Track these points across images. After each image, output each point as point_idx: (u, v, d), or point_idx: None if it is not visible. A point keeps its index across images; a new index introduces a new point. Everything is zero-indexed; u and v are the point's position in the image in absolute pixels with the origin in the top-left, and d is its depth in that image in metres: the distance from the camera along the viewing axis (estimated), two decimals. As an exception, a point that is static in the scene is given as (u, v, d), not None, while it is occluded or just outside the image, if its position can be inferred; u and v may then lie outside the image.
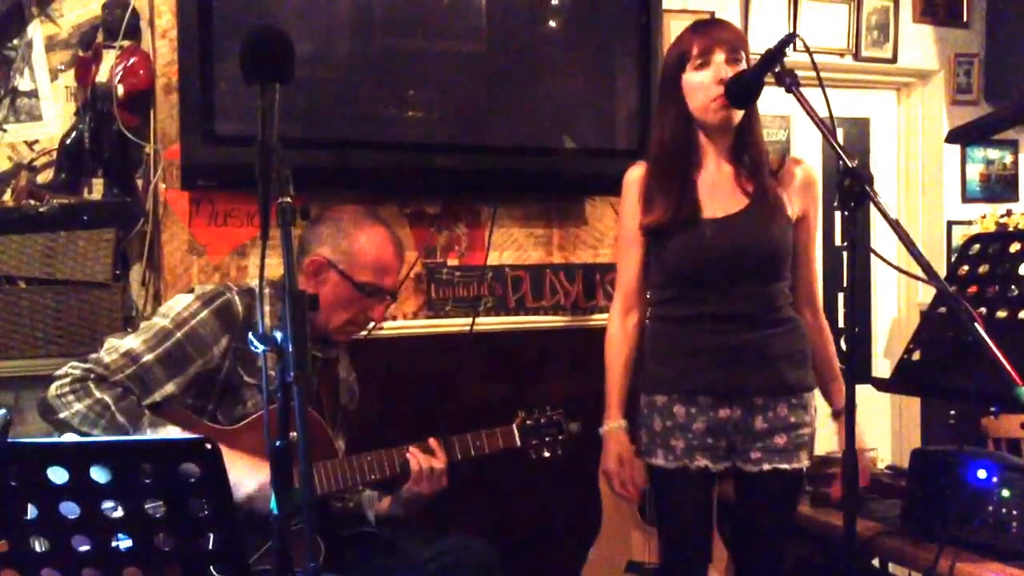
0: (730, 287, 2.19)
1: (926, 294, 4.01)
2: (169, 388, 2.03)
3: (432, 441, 2.23)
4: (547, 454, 2.38)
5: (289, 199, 1.35)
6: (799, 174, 2.27)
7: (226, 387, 2.09)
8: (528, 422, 2.36)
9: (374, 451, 2.18)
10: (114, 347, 2.03)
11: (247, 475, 1.93)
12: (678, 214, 2.19)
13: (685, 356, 2.24)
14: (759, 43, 3.53)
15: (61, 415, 1.94)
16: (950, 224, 4.10)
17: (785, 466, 2.20)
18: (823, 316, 2.35)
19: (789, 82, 1.92)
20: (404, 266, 2.25)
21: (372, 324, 2.28)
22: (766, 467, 2.20)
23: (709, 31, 2.21)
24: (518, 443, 2.34)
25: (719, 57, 2.15)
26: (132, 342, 2.03)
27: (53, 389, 1.97)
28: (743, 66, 2.16)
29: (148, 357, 2.02)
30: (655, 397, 2.28)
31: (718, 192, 2.22)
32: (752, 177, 2.21)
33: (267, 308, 2.14)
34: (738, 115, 2.18)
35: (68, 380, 1.97)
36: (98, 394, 1.95)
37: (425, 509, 2.29)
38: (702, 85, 2.16)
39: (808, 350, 2.28)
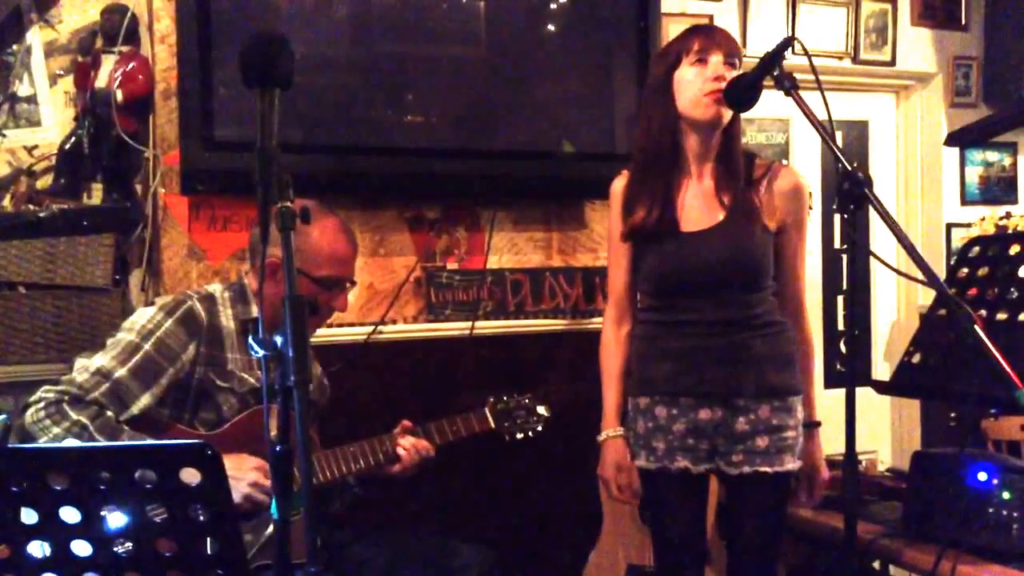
0: (710, 297, 2.19)
1: (926, 297, 4.01)
2: (145, 400, 2.03)
3: (408, 423, 2.29)
4: (520, 436, 2.48)
5: (288, 204, 1.35)
6: (784, 182, 2.24)
7: (200, 394, 2.10)
8: (499, 406, 2.46)
9: (356, 442, 2.22)
10: (84, 366, 2.02)
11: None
12: (658, 220, 2.20)
13: (667, 358, 2.24)
14: (758, 46, 3.58)
15: (40, 441, 1.94)
16: (949, 226, 4.10)
17: (767, 469, 2.18)
18: (808, 327, 2.32)
19: (788, 85, 1.92)
20: (357, 253, 2.28)
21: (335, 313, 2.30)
22: (747, 469, 2.19)
23: (710, 34, 2.20)
24: (492, 425, 2.44)
25: (717, 58, 2.14)
26: (102, 359, 2.03)
27: (29, 416, 1.96)
28: (737, 73, 2.16)
29: (120, 372, 2.01)
30: (639, 400, 2.29)
31: (697, 204, 2.22)
32: (731, 188, 2.21)
33: (228, 311, 2.16)
34: (726, 117, 2.17)
35: (43, 404, 1.97)
36: (74, 415, 1.95)
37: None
38: (697, 78, 2.14)
39: (795, 354, 2.25)
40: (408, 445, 2.26)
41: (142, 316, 2.10)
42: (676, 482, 2.24)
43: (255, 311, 2.14)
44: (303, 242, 2.13)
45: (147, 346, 2.04)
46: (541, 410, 2.52)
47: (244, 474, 1.98)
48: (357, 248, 2.28)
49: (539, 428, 2.51)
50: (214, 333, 2.11)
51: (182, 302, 2.12)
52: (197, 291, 2.20)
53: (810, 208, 2.53)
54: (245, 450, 2.04)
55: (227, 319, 2.15)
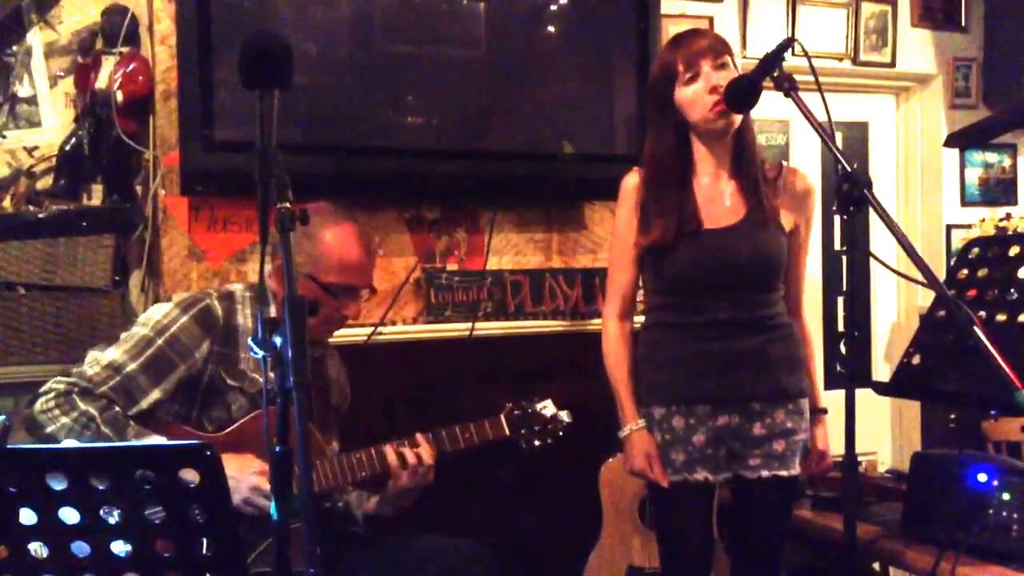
0: (728, 296, 2.19)
1: (925, 298, 4.01)
2: (155, 395, 2.03)
3: (419, 436, 2.22)
4: (537, 443, 2.38)
5: (288, 205, 1.35)
6: (797, 185, 2.28)
7: (209, 392, 2.10)
8: (516, 412, 2.36)
9: (363, 449, 2.19)
10: (96, 359, 2.03)
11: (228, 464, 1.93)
12: (681, 228, 2.19)
13: (683, 362, 2.23)
14: (757, 48, 3.58)
15: (48, 429, 1.94)
16: (949, 228, 4.11)
17: (784, 473, 2.21)
18: (806, 322, 2.37)
19: (788, 86, 1.91)
20: (374, 259, 2.24)
21: (348, 320, 2.27)
22: (765, 474, 2.20)
23: (690, 43, 2.20)
24: (507, 433, 2.34)
25: (706, 67, 2.15)
26: (114, 353, 2.03)
27: (38, 405, 1.97)
28: (731, 69, 2.17)
29: (131, 366, 2.02)
30: (653, 409, 2.26)
31: (715, 204, 2.23)
32: (748, 187, 2.22)
33: (248, 311, 2.15)
34: (737, 120, 2.18)
35: (53, 395, 1.97)
36: (83, 406, 1.96)
37: (413, 506, 2.28)
38: (697, 97, 2.15)
39: (802, 356, 2.29)
40: (398, 447, 2.19)
41: (158, 311, 2.10)
42: (691, 493, 2.24)
43: (273, 311, 2.13)
44: (314, 246, 2.12)
45: (160, 341, 2.04)
46: (562, 415, 2.39)
47: (245, 477, 1.97)
48: (373, 256, 2.24)
49: (559, 435, 2.40)
50: (229, 332, 2.11)
51: (200, 299, 2.12)
52: (217, 289, 2.20)
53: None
54: (251, 451, 2.04)
55: (244, 318, 2.14)
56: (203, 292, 2.17)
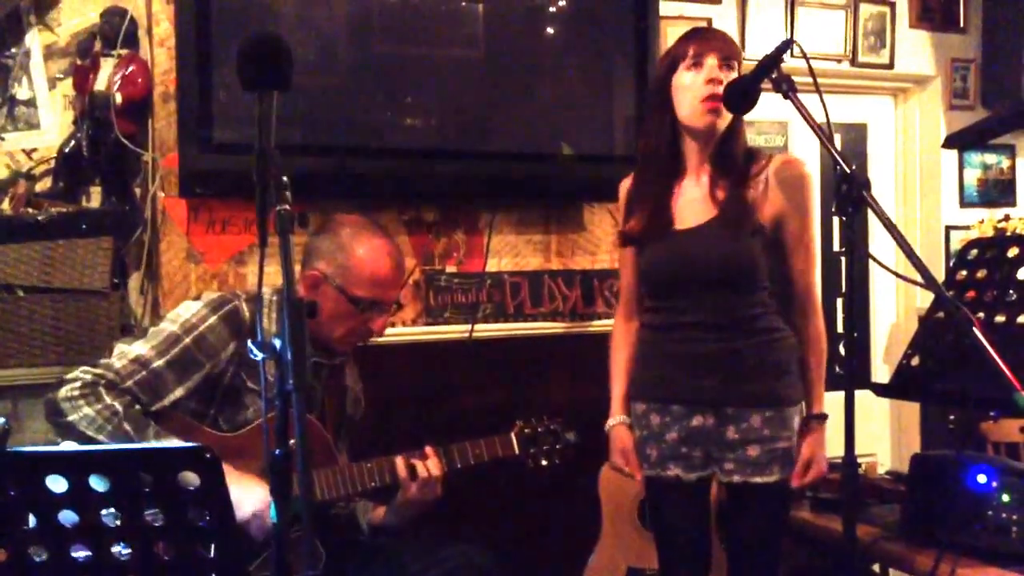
0: (702, 297, 2.17)
1: (924, 299, 4.01)
2: (179, 392, 2.05)
3: (429, 449, 2.23)
4: (545, 463, 2.40)
5: (287, 206, 1.35)
6: (782, 171, 2.19)
7: (229, 392, 2.10)
8: (526, 431, 2.38)
9: (374, 459, 2.19)
10: (124, 353, 2.03)
11: (245, 496, 1.91)
12: (652, 224, 2.20)
13: (661, 363, 2.24)
14: (756, 49, 3.58)
15: (69, 417, 1.94)
16: (948, 229, 4.11)
17: (757, 479, 2.16)
18: (818, 324, 2.24)
19: (786, 88, 1.91)
20: (404, 275, 2.24)
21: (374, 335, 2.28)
22: (737, 479, 2.18)
23: (705, 37, 2.20)
24: (516, 452, 2.36)
25: (712, 61, 2.14)
26: (141, 348, 2.04)
27: (64, 391, 1.97)
28: (735, 75, 2.15)
29: (158, 363, 2.03)
30: (636, 405, 2.30)
31: (693, 203, 2.21)
32: (725, 186, 2.18)
33: (274, 315, 2.16)
34: (724, 122, 2.16)
35: (79, 384, 1.98)
36: (108, 400, 1.96)
37: (419, 519, 2.28)
38: (692, 84, 2.14)
39: (792, 362, 2.21)
40: (409, 458, 2.20)
41: (187, 309, 2.11)
42: (672, 489, 2.24)
43: None
44: (347, 258, 2.14)
45: (187, 340, 2.05)
46: (569, 437, 2.42)
47: (249, 503, 1.93)
48: (403, 272, 2.25)
49: (565, 455, 2.42)
50: (255, 335, 2.10)
51: (228, 300, 2.13)
52: (246, 291, 2.21)
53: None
54: (260, 451, 2.04)
55: (270, 322, 2.15)
56: (232, 293, 2.17)
